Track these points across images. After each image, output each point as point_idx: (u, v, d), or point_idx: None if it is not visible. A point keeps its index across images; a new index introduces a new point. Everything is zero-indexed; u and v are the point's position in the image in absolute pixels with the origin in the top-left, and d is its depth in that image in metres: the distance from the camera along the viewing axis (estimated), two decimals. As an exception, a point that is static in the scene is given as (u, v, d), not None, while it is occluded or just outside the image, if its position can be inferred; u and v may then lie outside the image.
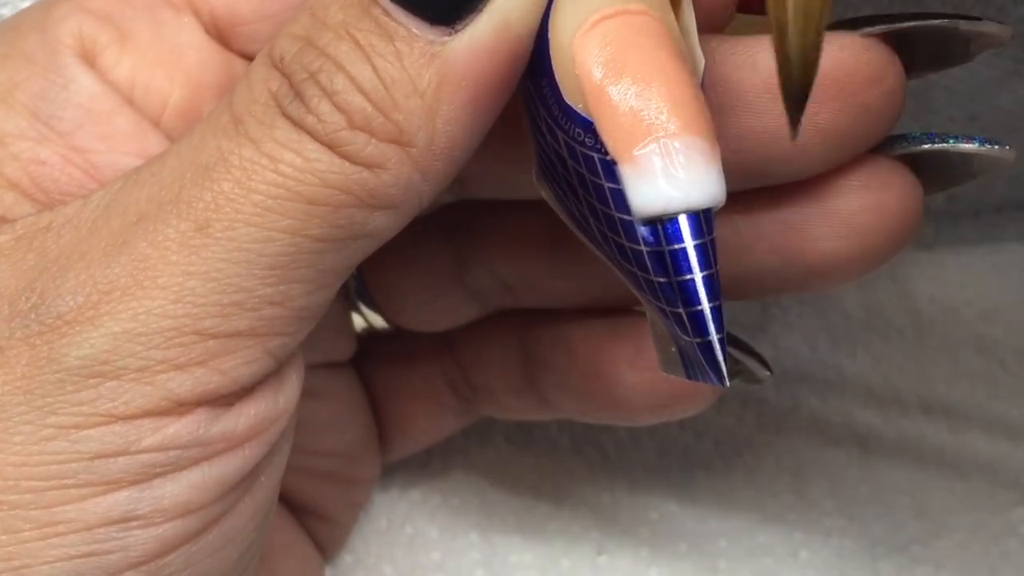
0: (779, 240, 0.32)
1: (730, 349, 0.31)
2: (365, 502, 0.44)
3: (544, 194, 0.29)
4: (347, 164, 0.27)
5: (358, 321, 0.41)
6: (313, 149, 0.27)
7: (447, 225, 0.37)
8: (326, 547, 0.42)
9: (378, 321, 0.41)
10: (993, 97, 0.46)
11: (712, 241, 0.26)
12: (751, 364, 0.35)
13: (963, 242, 0.48)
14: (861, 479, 0.44)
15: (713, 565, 0.43)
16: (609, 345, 0.36)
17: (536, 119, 0.28)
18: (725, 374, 0.27)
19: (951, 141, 0.31)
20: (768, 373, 0.36)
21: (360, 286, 0.39)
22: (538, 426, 0.45)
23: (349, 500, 0.42)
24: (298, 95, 0.27)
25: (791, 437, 0.45)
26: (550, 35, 0.27)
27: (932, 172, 0.32)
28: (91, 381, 0.26)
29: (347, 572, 0.44)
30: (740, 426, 0.45)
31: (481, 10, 0.26)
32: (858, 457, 0.44)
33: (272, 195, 0.27)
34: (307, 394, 0.34)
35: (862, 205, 0.31)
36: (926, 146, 0.31)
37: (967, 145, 0.31)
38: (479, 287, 0.38)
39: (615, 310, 0.36)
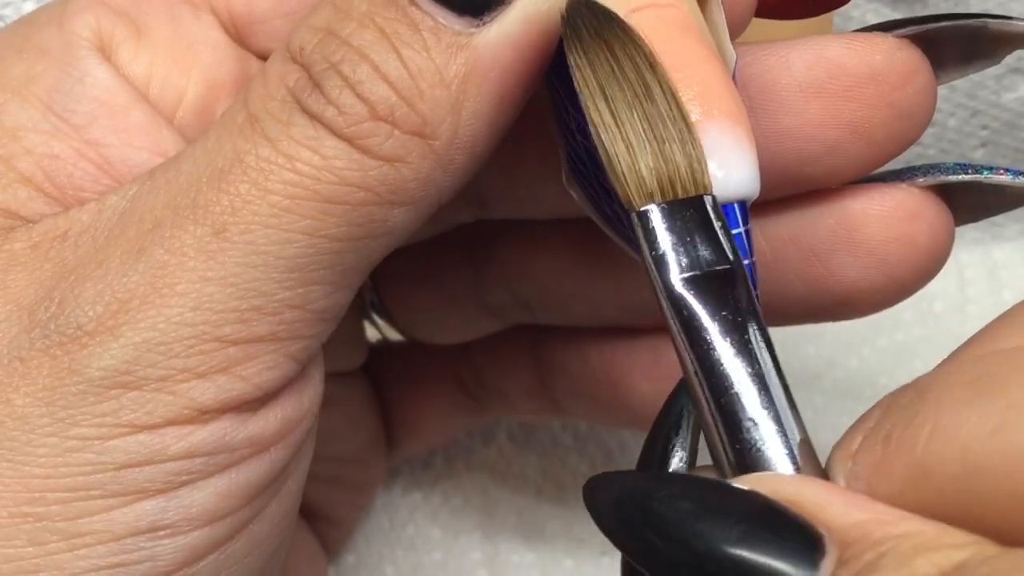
0: (804, 269, 0.31)
1: None
2: (369, 504, 0.43)
3: (574, 195, 0.29)
4: (366, 159, 0.26)
5: (372, 332, 0.41)
6: (331, 145, 0.26)
7: (466, 242, 0.37)
8: (330, 547, 0.42)
9: (393, 334, 0.40)
10: (994, 94, 0.46)
11: (747, 232, 0.26)
12: None
13: (962, 241, 0.48)
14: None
15: (715, 564, 0.43)
16: (624, 354, 0.36)
17: (565, 119, 0.28)
18: None
19: (984, 172, 0.31)
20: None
21: (375, 298, 0.39)
22: (541, 425, 0.45)
23: (355, 503, 0.42)
24: (318, 86, 0.26)
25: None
26: None
27: (964, 203, 0.31)
28: (113, 392, 0.26)
29: (350, 572, 0.44)
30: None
31: (510, 2, 0.26)
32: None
33: (289, 195, 0.26)
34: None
35: (889, 236, 0.31)
36: (959, 177, 0.31)
37: (1000, 177, 0.31)
38: (497, 304, 0.37)
39: (631, 330, 0.36)
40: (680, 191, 0.25)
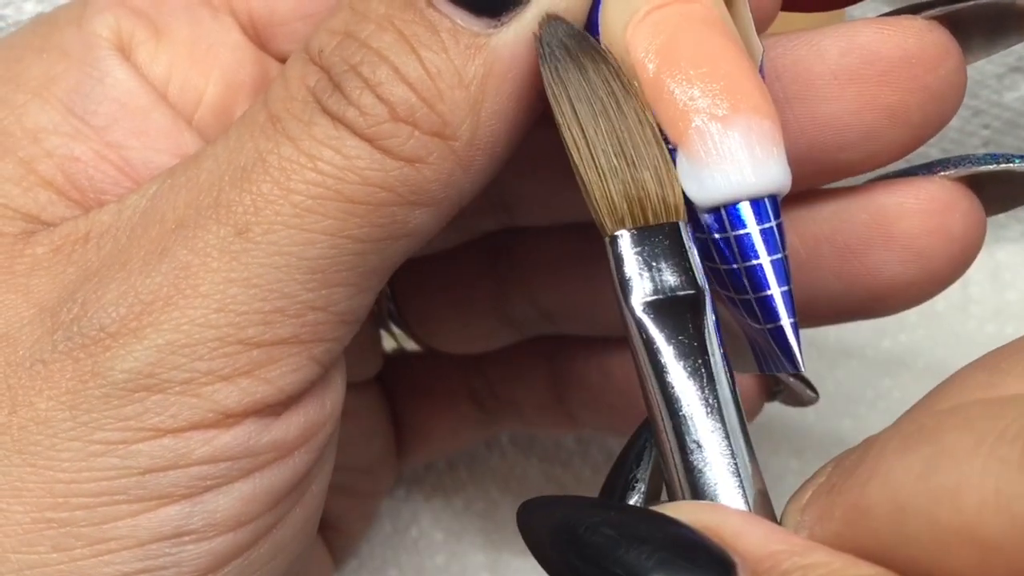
0: (840, 267, 0.31)
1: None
2: (376, 513, 0.43)
3: None
4: (388, 160, 0.26)
5: (388, 342, 0.40)
6: (353, 145, 0.26)
7: (488, 252, 0.37)
8: (336, 555, 0.42)
9: (410, 344, 0.40)
10: (996, 94, 0.46)
11: (779, 226, 0.26)
12: (795, 386, 0.35)
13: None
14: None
15: (717, 566, 0.43)
16: None
17: None
18: (800, 359, 0.26)
19: (1016, 161, 0.31)
20: (814, 395, 0.35)
21: (393, 307, 0.39)
22: (545, 429, 0.45)
23: (363, 512, 0.42)
24: (338, 88, 0.26)
25: (798, 441, 0.44)
26: (601, 28, 0.27)
27: (994, 193, 0.31)
28: (137, 395, 0.26)
29: (353, 576, 0.43)
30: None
31: (528, 2, 0.26)
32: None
33: (311, 195, 0.26)
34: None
35: (924, 229, 0.30)
36: (990, 167, 0.31)
37: None
38: (518, 315, 0.37)
39: None
40: (651, 216, 0.26)
